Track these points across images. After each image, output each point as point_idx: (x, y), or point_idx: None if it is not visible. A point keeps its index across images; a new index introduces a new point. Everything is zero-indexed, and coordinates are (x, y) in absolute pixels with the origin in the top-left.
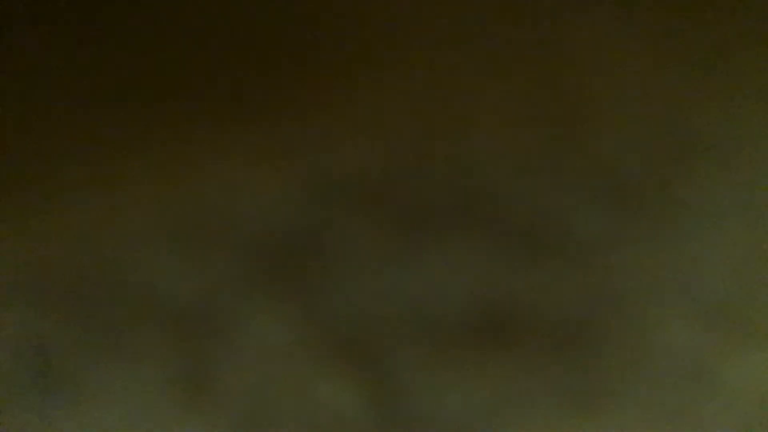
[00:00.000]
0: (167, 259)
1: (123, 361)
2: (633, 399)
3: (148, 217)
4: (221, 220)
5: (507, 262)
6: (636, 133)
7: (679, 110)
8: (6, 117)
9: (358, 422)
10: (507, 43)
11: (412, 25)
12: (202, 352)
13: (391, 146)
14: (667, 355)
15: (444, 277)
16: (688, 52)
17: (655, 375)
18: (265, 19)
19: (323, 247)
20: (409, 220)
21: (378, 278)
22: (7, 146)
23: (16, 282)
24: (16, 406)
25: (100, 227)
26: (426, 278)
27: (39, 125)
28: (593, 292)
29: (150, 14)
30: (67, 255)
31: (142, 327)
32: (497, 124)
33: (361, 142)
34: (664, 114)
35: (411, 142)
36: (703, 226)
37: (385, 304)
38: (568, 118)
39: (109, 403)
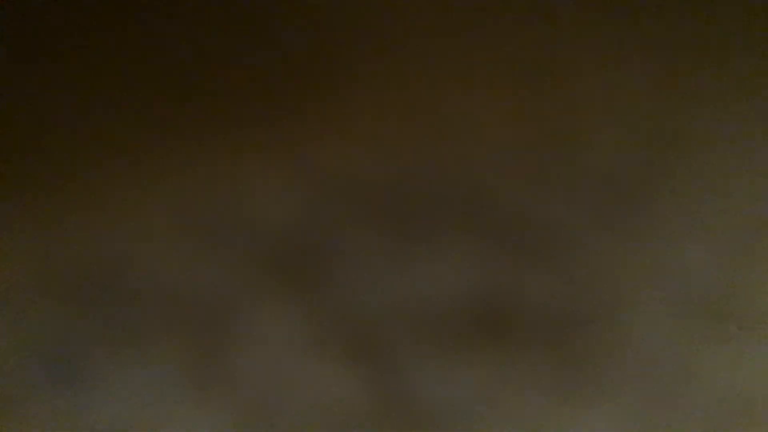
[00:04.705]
0: (178, 257)
1: (135, 355)
2: (619, 391)
3: (160, 216)
4: (231, 219)
5: (501, 260)
6: (625, 139)
7: (666, 116)
8: (22, 119)
9: (359, 411)
10: (502, 51)
11: (411, 29)
12: (212, 347)
13: (392, 148)
14: (649, 347)
15: (441, 274)
16: (677, 58)
17: (640, 368)
18: (272, 25)
19: (328, 245)
20: (408, 220)
21: (379, 275)
22: (24, 148)
23: (32, 279)
24: (30, 400)
25: (113, 226)
26: (424, 275)
27: (54, 127)
28: (583, 289)
29: (162, 20)
30: (81, 253)
31: (154, 322)
32: (493, 128)
33: (363, 145)
34: (652, 120)
35: (410, 144)
36: (687, 226)
37: (386, 300)
38: (560, 123)
39: (121, 396)
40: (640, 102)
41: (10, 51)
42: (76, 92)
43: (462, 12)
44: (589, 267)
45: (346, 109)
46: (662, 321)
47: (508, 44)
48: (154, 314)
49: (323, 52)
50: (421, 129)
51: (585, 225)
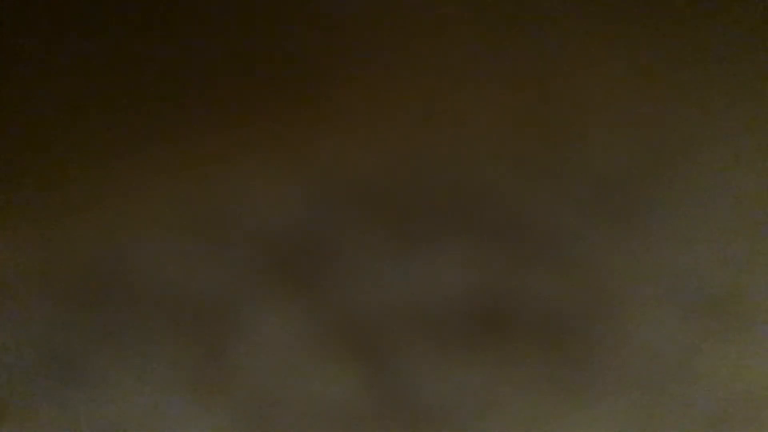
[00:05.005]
0: (179, 257)
1: (135, 355)
2: (619, 390)
3: (160, 216)
4: (231, 219)
5: (501, 260)
6: (624, 138)
7: (665, 115)
8: (22, 120)
9: (360, 409)
10: (503, 52)
11: (412, 30)
12: (213, 347)
13: (392, 148)
14: (650, 347)
15: (441, 274)
16: (672, 60)
17: (641, 368)
18: (272, 26)
19: (329, 245)
20: (408, 220)
21: (380, 275)
22: (24, 148)
23: (32, 279)
24: (31, 399)
25: (115, 226)
26: (425, 275)
27: (54, 128)
28: (583, 289)
29: (162, 21)
30: (84, 253)
31: (154, 322)
32: (493, 128)
33: (363, 145)
34: (651, 119)
35: (410, 144)
36: (686, 227)
37: (387, 300)
38: (560, 124)
39: (121, 396)
40: (641, 102)
41: (10, 52)
42: (75, 92)
43: (462, 13)
44: (589, 267)
45: (346, 109)
46: (663, 320)
47: (508, 45)
48: (154, 314)
49: (323, 52)
50: (421, 129)
51: (585, 225)
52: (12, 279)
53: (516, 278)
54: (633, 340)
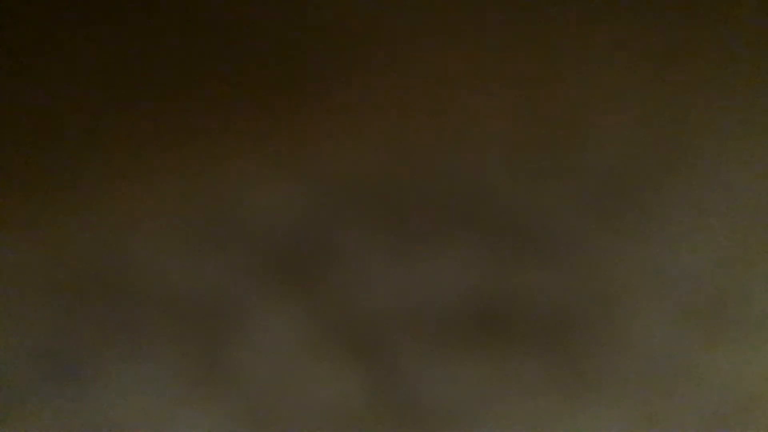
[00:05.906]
0: (179, 256)
1: (135, 355)
2: (617, 388)
3: (159, 216)
4: (231, 219)
5: (501, 260)
6: (624, 139)
7: (665, 116)
8: (22, 121)
9: (360, 410)
10: (503, 50)
11: (411, 29)
12: (213, 347)
13: (392, 148)
14: (649, 347)
15: (441, 274)
16: (673, 61)
17: (638, 366)
18: (271, 26)
19: (328, 245)
20: (408, 220)
21: (380, 275)
22: (24, 149)
23: (32, 279)
24: (30, 399)
25: (113, 226)
26: (424, 275)
27: (54, 128)
28: (582, 288)
29: (161, 21)
30: (82, 253)
31: (154, 322)
32: (493, 128)
33: (363, 145)
34: (651, 120)
35: (410, 144)
36: (685, 227)
37: (386, 300)
38: (561, 124)
39: (121, 396)
40: (641, 102)
41: (11, 52)
42: (75, 92)
43: (462, 10)
44: (590, 267)
45: (346, 109)
46: (662, 320)
47: (508, 43)
48: (154, 314)
49: (323, 52)
50: (421, 128)
51: (585, 225)
52: (12, 279)
53: (516, 278)
54: (633, 340)
